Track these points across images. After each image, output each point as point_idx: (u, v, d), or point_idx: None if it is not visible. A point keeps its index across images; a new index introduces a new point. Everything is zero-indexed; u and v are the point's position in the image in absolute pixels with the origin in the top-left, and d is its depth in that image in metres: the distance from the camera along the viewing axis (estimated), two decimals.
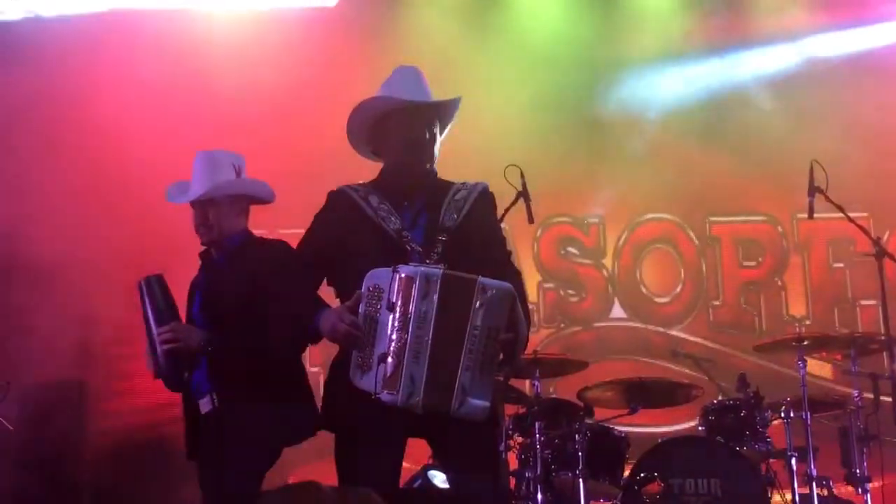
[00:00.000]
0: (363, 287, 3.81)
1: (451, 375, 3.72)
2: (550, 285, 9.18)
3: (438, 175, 4.22)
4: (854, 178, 7.69)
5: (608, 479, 6.49)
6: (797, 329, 8.40)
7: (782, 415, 6.63)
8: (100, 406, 8.46)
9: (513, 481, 6.55)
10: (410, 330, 3.71)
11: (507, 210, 6.13)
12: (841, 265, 9.19)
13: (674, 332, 9.09)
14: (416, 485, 6.68)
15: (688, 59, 9.21)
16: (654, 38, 9.21)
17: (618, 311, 9.21)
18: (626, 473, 6.50)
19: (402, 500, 5.16)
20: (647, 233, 9.32)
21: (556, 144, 8.57)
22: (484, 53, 8.87)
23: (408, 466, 6.79)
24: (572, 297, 9.20)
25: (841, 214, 6.53)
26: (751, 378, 6.85)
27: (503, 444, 6.42)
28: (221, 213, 4.78)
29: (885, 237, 8.42)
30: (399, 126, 4.12)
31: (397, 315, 3.73)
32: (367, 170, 4.33)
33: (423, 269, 3.76)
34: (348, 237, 4.02)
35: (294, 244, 4.28)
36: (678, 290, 9.25)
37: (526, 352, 6.37)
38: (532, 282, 8.91)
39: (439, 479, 6.77)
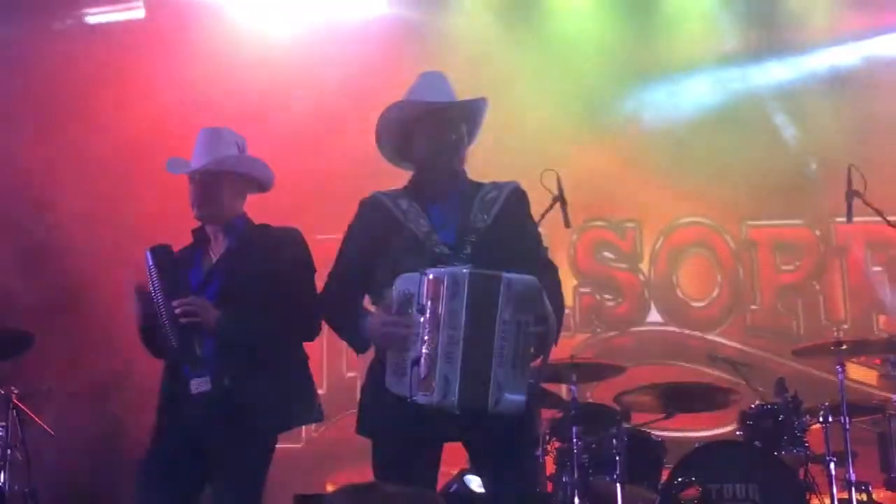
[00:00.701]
0: (393, 292, 3.85)
1: (485, 373, 3.75)
2: (587, 290, 9.18)
3: (474, 179, 4.25)
4: (892, 180, 7.65)
5: (646, 483, 6.49)
6: (835, 333, 8.33)
7: (821, 419, 6.60)
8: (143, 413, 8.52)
9: (550, 486, 6.56)
10: (441, 331, 3.75)
11: (543, 214, 6.16)
12: (879, 268, 9.13)
13: (711, 337, 9.05)
14: (452, 489, 6.69)
15: (724, 63, 9.16)
16: (689, 41, 9.20)
17: (654, 315, 9.19)
18: (664, 478, 6.49)
19: None
20: (684, 237, 9.30)
21: (592, 149, 8.56)
22: (522, 59, 8.89)
23: (444, 471, 6.88)
24: (609, 301, 9.19)
25: (879, 218, 6.51)
26: (789, 383, 6.82)
27: (540, 448, 6.44)
28: (223, 188, 4.69)
29: None
30: (425, 129, 4.16)
31: (428, 317, 3.78)
32: (403, 175, 4.37)
33: (450, 269, 3.81)
34: (380, 242, 4.06)
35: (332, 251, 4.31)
36: (715, 294, 9.22)
37: (562, 355, 6.48)
38: (568, 286, 8.91)
39: (475, 483, 6.78)
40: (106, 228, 8.15)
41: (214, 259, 4.67)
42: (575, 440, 6.38)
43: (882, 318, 9.04)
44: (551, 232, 7.84)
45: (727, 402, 7.07)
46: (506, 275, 3.79)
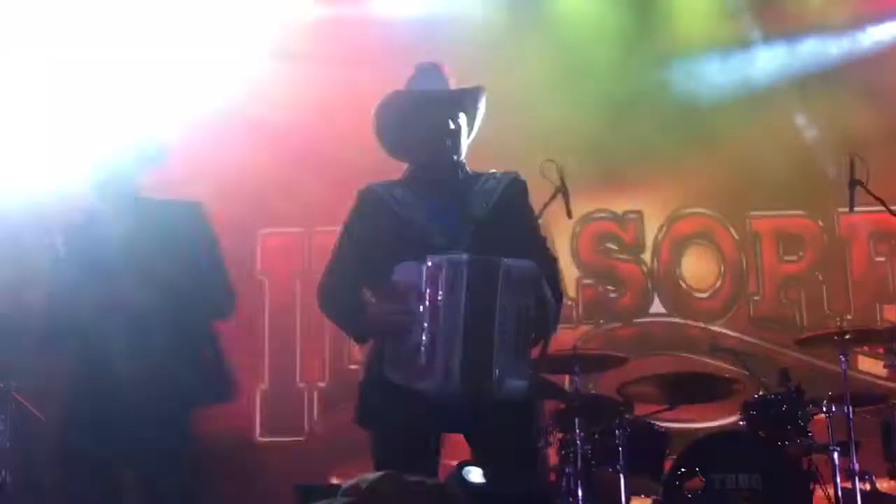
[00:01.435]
0: (392, 281, 3.85)
1: (486, 359, 3.75)
2: (589, 281, 9.16)
3: (474, 170, 4.24)
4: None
5: (649, 474, 6.49)
6: (838, 323, 8.32)
7: (824, 409, 6.58)
8: None
9: (553, 477, 6.56)
10: (441, 318, 3.76)
11: (545, 205, 6.14)
12: (882, 259, 9.12)
13: (714, 328, 9.04)
14: (450, 481, 6.68)
15: (727, 53, 9.13)
16: (693, 31, 9.17)
17: (657, 306, 9.17)
18: (667, 469, 6.48)
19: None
20: (687, 228, 9.27)
21: (594, 140, 8.54)
22: (523, 49, 8.84)
23: (445, 463, 6.87)
24: (611, 292, 9.17)
25: (882, 207, 6.49)
26: (792, 373, 6.82)
27: (543, 439, 6.43)
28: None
29: None
30: (422, 118, 4.14)
31: (427, 305, 3.78)
32: (402, 166, 4.36)
33: (448, 257, 3.81)
34: (378, 233, 4.05)
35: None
36: (718, 285, 9.20)
37: (565, 346, 6.47)
38: (571, 277, 8.90)
39: (475, 474, 6.77)
40: None
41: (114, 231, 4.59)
42: (578, 431, 6.38)
43: (886, 308, 9.02)
44: (553, 223, 7.86)
45: (730, 392, 7.06)
46: (504, 261, 3.79)
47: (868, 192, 6.44)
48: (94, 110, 5.02)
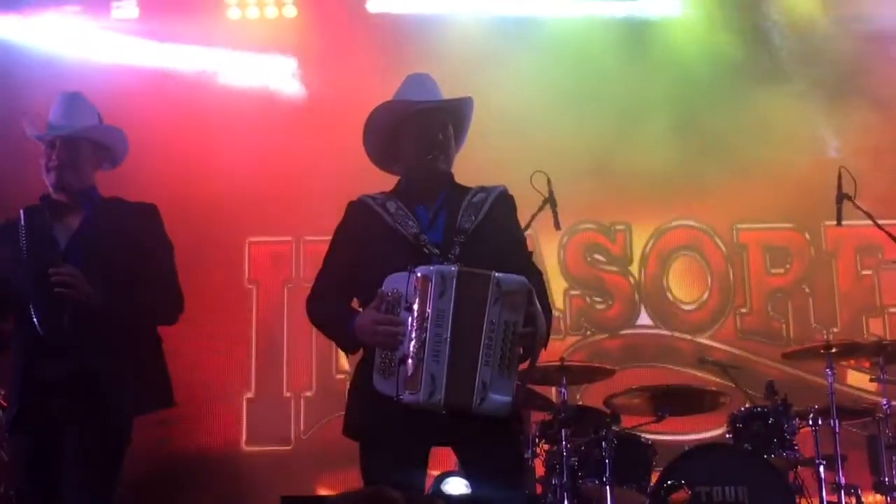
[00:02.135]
0: (381, 291, 3.84)
1: (471, 372, 3.75)
2: (577, 292, 9.15)
3: (464, 182, 4.24)
4: (883, 184, 7.65)
5: (635, 486, 6.48)
6: (825, 336, 8.34)
7: (810, 423, 6.60)
8: None
9: (539, 488, 6.56)
10: (429, 329, 3.75)
11: (533, 216, 6.16)
12: (869, 272, 9.13)
13: (701, 340, 9.04)
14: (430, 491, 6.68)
15: (711, 63, 9.12)
16: (675, 40, 9.20)
17: (644, 318, 9.17)
18: (653, 481, 6.48)
19: None
20: (674, 240, 9.28)
21: (582, 151, 8.55)
22: (513, 62, 8.85)
23: (435, 474, 6.87)
24: (599, 304, 9.17)
25: (869, 221, 6.51)
26: (779, 386, 6.82)
27: (529, 451, 6.43)
28: (83, 156, 4.58)
29: None
30: (411, 129, 4.16)
31: (415, 315, 3.77)
32: (392, 178, 4.36)
33: (438, 267, 3.81)
34: (368, 245, 4.04)
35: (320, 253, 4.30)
36: (705, 297, 9.21)
37: (552, 358, 6.47)
38: (558, 289, 8.90)
39: (454, 485, 6.78)
40: None
41: (72, 229, 4.49)
42: (564, 443, 6.37)
43: (872, 322, 9.04)
44: (541, 234, 7.89)
45: (717, 404, 7.07)
46: (496, 274, 3.79)
47: (856, 205, 6.46)
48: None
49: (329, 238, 4.26)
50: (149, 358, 4.53)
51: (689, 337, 9.07)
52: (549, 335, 4.01)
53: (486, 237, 4.02)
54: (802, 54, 9.14)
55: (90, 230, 4.48)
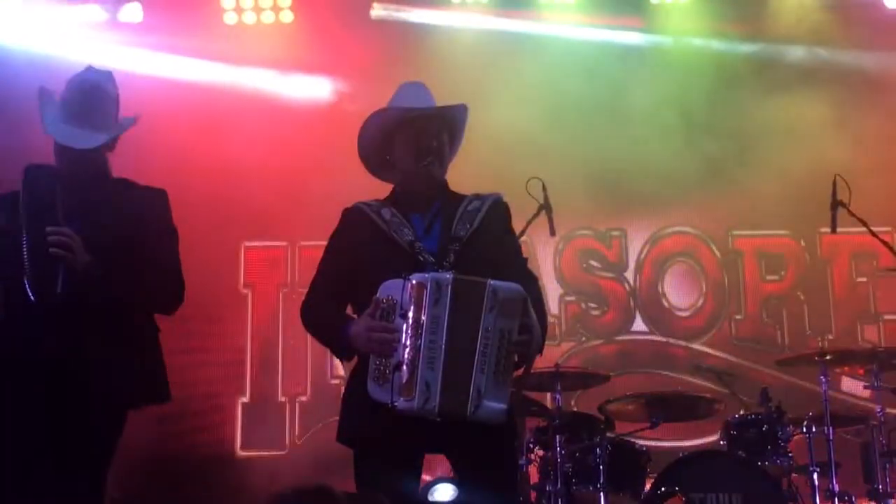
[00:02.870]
0: (377, 298, 3.84)
1: (466, 379, 3.75)
2: (572, 298, 9.16)
3: (459, 190, 4.25)
4: (877, 192, 7.66)
5: (629, 493, 6.48)
6: (819, 344, 8.35)
7: (804, 429, 6.60)
8: None
9: (533, 495, 6.56)
10: (423, 336, 3.75)
11: (529, 223, 6.16)
12: (864, 279, 9.14)
13: (695, 346, 9.06)
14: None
15: (710, 68, 9.14)
16: (683, 51, 9.23)
17: (639, 324, 9.18)
18: (647, 487, 6.48)
19: None
20: (670, 246, 9.30)
21: (578, 157, 8.56)
22: (510, 71, 8.87)
23: (429, 479, 6.87)
24: (594, 310, 9.18)
25: (864, 229, 6.52)
26: (773, 392, 6.82)
27: (524, 457, 6.43)
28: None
29: None
30: (405, 136, 4.16)
31: (410, 323, 3.77)
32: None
33: (433, 275, 3.81)
34: (363, 252, 4.05)
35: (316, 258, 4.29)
36: (700, 303, 9.22)
37: (547, 364, 6.48)
38: (554, 295, 8.91)
39: (442, 492, 6.79)
40: None
41: (76, 199, 4.27)
42: (559, 449, 6.38)
43: (867, 329, 9.05)
44: (536, 240, 7.91)
45: (711, 411, 7.08)
46: (491, 282, 3.79)
47: (850, 213, 6.47)
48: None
49: (324, 243, 4.26)
50: (146, 347, 4.38)
51: (683, 343, 9.09)
52: (544, 342, 4.01)
53: (482, 245, 4.02)
54: (802, 64, 9.16)
55: (94, 203, 4.31)
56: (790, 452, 6.58)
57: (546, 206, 6.37)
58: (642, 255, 9.26)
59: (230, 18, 9.23)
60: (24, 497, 4.12)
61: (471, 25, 9.23)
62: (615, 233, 9.30)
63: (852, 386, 8.40)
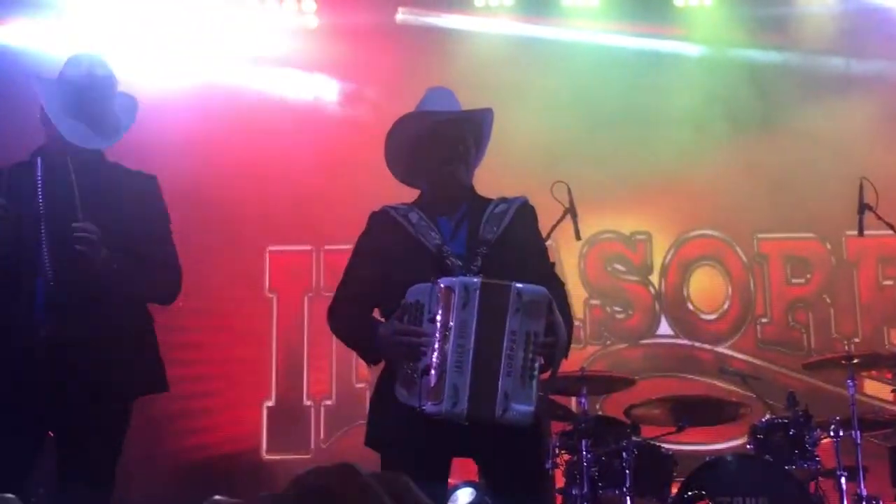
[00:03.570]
0: (405, 302, 3.86)
1: (493, 382, 3.76)
2: (597, 302, 9.15)
3: (484, 193, 4.25)
4: None
5: (655, 497, 6.47)
6: (846, 347, 8.31)
7: (832, 433, 6.57)
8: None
9: (560, 499, 6.54)
10: (451, 340, 3.76)
11: (554, 226, 6.15)
12: (891, 283, 9.10)
13: (721, 350, 9.03)
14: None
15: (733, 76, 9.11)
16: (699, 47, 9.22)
17: (664, 328, 9.16)
18: (674, 492, 6.47)
19: None
20: (695, 249, 9.27)
21: (603, 161, 8.55)
22: (535, 75, 8.87)
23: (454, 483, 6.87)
24: (619, 313, 9.17)
25: (891, 232, 6.50)
26: (799, 396, 6.80)
27: (549, 461, 6.42)
28: None
29: None
30: (432, 140, 4.17)
31: (438, 327, 3.79)
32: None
33: (461, 279, 3.82)
34: (390, 256, 4.06)
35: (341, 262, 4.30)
36: (725, 307, 9.19)
37: (572, 367, 6.47)
38: (578, 298, 8.89)
39: (463, 496, 6.78)
40: None
41: (80, 187, 4.21)
42: (585, 453, 6.36)
43: (893, 332, 9.01)
44: (561, 244, 7.88)
45: (737, 415, 7.05)
46: (516, 285, 3.80)
47: (878, 216, 6.45)
48: None
49: (349, 247, 4.27)
50: (147, 337, 4.35)
51: (709, 347, 9.05)
52: (570, 345, 4.02)
53: (509, 248, 4.03)
54: (832, 71, 9.13)
55: (101, 192, 4.26)
56: (817, 456, 6.55)
57: (571, 210, 6.35)
58: (667, 259, 9.24)
59: (255, 19, 9.22)
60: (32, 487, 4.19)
61: (496, 30, 9.22)
62: (640, 236, 9.28)
63: (876, 389, 8.37)
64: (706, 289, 9.23)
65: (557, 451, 6.57)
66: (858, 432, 6.47)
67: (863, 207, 6.48)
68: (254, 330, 8.93)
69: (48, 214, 4.13)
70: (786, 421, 6.64)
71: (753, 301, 9.19)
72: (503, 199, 4.21)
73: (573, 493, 6.42)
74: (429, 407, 3.75)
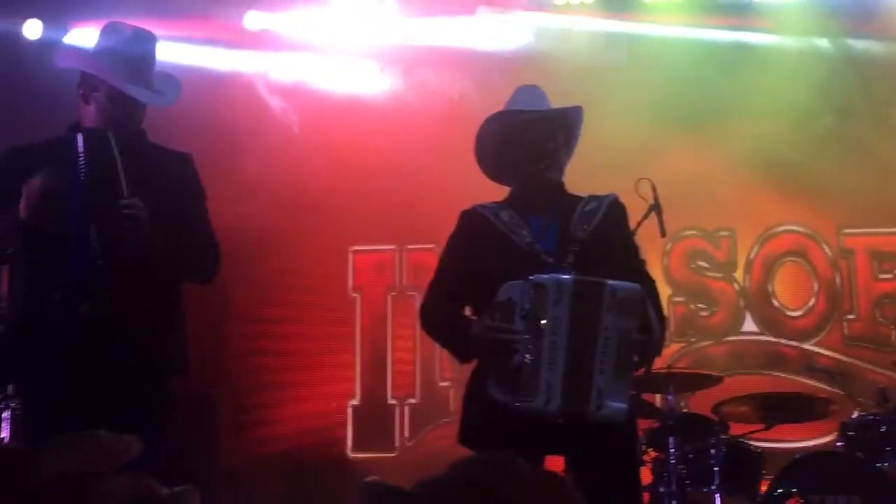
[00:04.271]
0: (497, 300, 3.87)
1: (587, 379, 3.77)
2: (680, 299, 9.10)
3: (571, 190, 4.26)
4: None
5: (745, 495, 6.43)
6: None
7: None
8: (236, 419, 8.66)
9: (647, 496, 6.52)
10: (545, 337, 3.78)
11: (639, 223, 6.11)
12: None
13: (807, 347, 8.93)
14: None
15: (821, 68, 9.02)
16: (783, 41, 9.12)
17: (749, 324, 9.08)
18: (763, 489, 6.42)
19: None
20: (779, 245, 9.18)
21: (686, 157, 8.49)
22: (615, 67, 8.85)
23: None
24: (703, 311, 9.11)
25: None
26: (891, 393, 6.72)
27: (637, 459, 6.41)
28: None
29: None
30: (522, 138, 4.19)
31: (531, 324, 3.79)
32: (499, 189, 4.39)
33: (554, 276, 3.84)
34: (482, 254, 4.09)
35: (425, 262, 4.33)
36: (811, 303, 9.09)
37: (658, 364, 6.44)
38: (663, 295, 8.79)
39: None
40: None
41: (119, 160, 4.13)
42: (672, 451, 6.34)
43: None
44: (645, 241, 7.81)
45: (826, 412, 6.97)
46: (610, 282, 3.80)
47: None
48: None
49: (431, 246, 4.31)
50: (180, 318, 4.31)
51: (795, 344, 8.96)
52: (663, 343, 4.01)
53: (600, 245, 4.04)
54: None
55: (143, 169, 4.19)
56: None
57: (656, 207, 6.31)
58: (751, 255, 9.16)
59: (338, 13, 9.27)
60: None
61: (578, 28, 9.21)
62: (724, 233, 9.21)
63: None
64: (791, 285, 9.14)
65: (644, 449, 6.56)
66: None
67: None
68: (338, 329, 9.00)
69: (92, 191, 4.05)
70: (877, 417, 6.57)
71: (840, 297, 9.08)
72: (594, 197, 4.22)
73: (661, 490, 6.40)
74: (522, 404, 3.76)
